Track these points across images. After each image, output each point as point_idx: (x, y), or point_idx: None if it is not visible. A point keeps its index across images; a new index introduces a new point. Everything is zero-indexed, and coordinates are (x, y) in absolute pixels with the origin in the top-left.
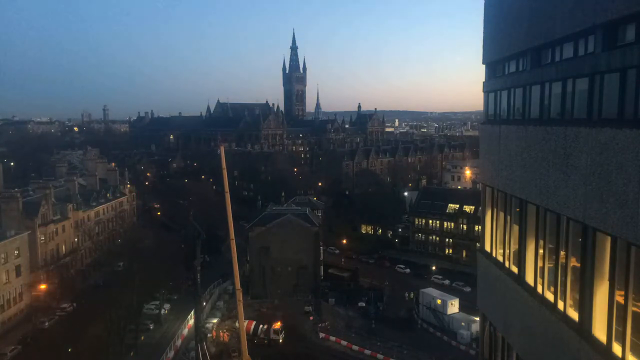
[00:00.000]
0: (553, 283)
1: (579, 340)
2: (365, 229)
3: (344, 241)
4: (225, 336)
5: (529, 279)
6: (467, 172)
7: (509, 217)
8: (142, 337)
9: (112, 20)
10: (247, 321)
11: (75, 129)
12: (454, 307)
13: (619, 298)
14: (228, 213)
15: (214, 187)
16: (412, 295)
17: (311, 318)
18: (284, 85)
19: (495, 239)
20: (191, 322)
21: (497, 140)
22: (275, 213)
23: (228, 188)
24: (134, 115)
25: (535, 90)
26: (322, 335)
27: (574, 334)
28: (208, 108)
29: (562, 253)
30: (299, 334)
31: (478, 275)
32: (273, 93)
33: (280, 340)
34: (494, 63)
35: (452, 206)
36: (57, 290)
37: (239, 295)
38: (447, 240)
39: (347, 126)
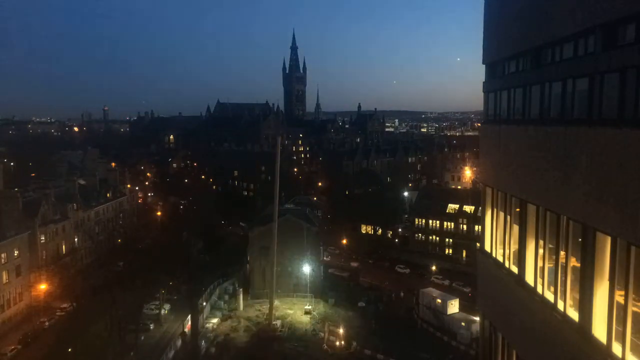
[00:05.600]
0: (553, 283)
1: (579, 340)
2: (365, 229)
3: (344, 241)
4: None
5: (529, 279)
6: (467, 172)
7: (509, 217)
8: (142, 337)
9: (112, 20)
10: None
11: (75, 129)
12: (454, 307)
13: (619, 298)
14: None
15: (214, 187)
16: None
17: (311, 318)
18: (284, 85)
19: (495, 239)
20: (191, 322)
21: (497, 140)
22: None
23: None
24: (134, 115)
25: (535, 90)
26: (322, 335)
27: (574, 334)
28: (208, 108)
29: (562, 253)
30: (299, 334)
31: (478, 275)
32: (273, 93)
33: None
34: (494, 63)
35: (452, 206)
36: (57, 290)
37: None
38: (447, 240)
39: (347, 126)
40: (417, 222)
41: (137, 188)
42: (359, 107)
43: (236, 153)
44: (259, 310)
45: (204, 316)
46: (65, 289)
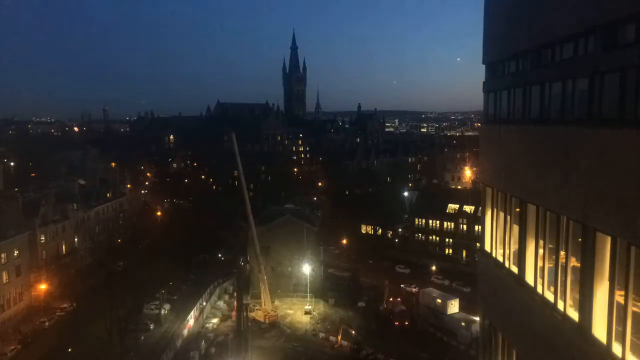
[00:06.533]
0: (553, 283)
1: (579, 340)
2: (365, 229)
3: (344, 241)
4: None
5: (529, 279)
6: (467, 172)
7: (509, 217)
8: (142, 337)
9: (112, 20)
10: None
11: (75, 129)
12: (454, 307)
13: (619, 298)
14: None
15: (214, 187)
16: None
17: (311, 318)
18: (284, 85)
19: (495, 239)
20: (191, 322)
21: (497, 140)
22: (275, 213)
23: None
24: (134, 115)
25: (535, 90)
26: (322, 335)
27: (574, 334)
28: (208, 108)
29: (562, 253)
30: (299, 334)
31: (478, 275)
32: (273, 93)
33: None
34: (494, 63)
35: (452, 206)
36: (57, 290)
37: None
38: (447, 240)
39: (347, 126)
40: (417, 222)
41: (137, 188)
42: (359, 107)
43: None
44: (257, 307)
45: (204, 316)
46: (65, 289)
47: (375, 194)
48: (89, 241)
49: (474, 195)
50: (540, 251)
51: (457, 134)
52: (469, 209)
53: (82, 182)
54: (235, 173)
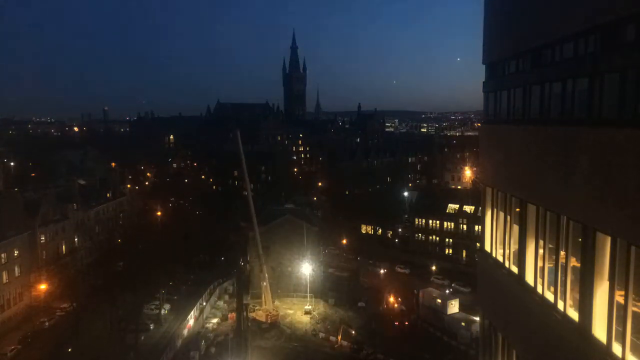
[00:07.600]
0: (553, 283)
1: (579, 340)
2: (365, 229)
3: (344, 241)
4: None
5: (529, 279)
6: (467, 172)
7: (509, 217)
8: (142, 337)
9: (111, 20)
10: None
11: (75, 129)
12: (454, 307)
13: (619, 298)
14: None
15: (214, 187)
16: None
17: (311, 318)
18: (284, 85)
19: (495, 239)
20: (191, 322)
21: (497, 140)
22: (275, 213)
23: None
24: (134, 115)
25: (535, 90)
26: (322, 335)
27: (574, 334)
28: (208, 108)
29: (562, 253)
30: (299, 334)
31: (478, 275)
32: (273, 93)
33: None
34: (494, 63)
35: (452, 206)
36: (57, 290)
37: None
38: (447, 240)
39: (347, 126)
40: (417, 222)
41: (137, 188)
42: (359, 107)
43: (236, 153)
44: (258, 307)
45: (204, 316)
46: (65, 289)
47: (375, 194)
48: (89, 241)
49: (474, 195)
50: (540, 251)
51: (457, 134)
52: (469, 209)
53: (82, 182)
54: (236, 173)
